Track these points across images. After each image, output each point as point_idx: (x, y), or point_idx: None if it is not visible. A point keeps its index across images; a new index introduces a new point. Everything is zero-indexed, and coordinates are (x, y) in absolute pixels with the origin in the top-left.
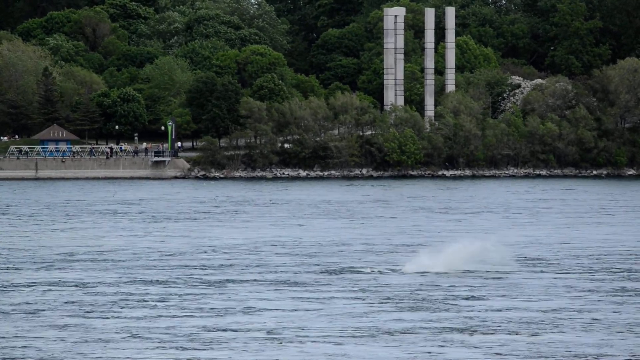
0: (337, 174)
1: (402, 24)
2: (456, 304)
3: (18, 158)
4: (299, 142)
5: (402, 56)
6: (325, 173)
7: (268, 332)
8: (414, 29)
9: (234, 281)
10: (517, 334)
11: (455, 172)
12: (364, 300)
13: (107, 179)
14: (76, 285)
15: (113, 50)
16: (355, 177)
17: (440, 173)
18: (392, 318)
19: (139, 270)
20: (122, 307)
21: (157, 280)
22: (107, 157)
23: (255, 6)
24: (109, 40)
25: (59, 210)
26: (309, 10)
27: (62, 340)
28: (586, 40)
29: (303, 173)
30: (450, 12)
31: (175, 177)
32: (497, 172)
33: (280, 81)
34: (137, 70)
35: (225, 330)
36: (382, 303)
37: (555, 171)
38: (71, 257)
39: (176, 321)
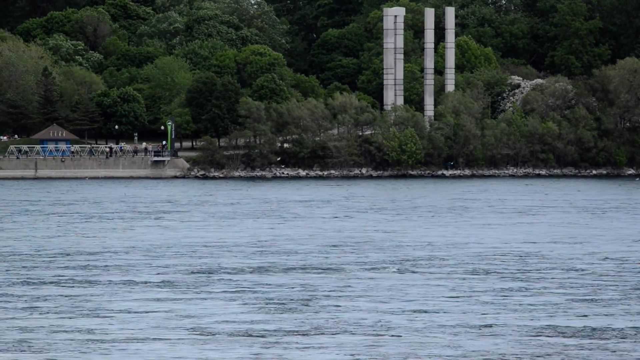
0: (337, 173)
1: (402, 24)
2: (320, 305)
3: (18, 158)
4: (298, 142)
5: (401, 56)
6: (325, 173)
7: (125, 334)
8: (414, 29)
9: (115, 282)
10: (361, 335)
11: (455, 172)
12: (235, 301)
13: (107, 179)
14: None
15: (113, 50)
16: (355, 177)
17: (440, 173)
18: (257, 319)
19: (20, 271)
20: None
21: (30, 281)
22: (107, 157)
23: (255, 6)
24: (109, 41)
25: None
26: (309, 10)
27: None
28: (586, 41)
29: (303, 173)
30: (450, 12)
31: (175, 177)
32: (496, 171)
33: (281, 81)
34: (137, 70)
35: (75, 331)
36: (253, 304)
37: (555, 171)
38: None
39: (29, 322)
